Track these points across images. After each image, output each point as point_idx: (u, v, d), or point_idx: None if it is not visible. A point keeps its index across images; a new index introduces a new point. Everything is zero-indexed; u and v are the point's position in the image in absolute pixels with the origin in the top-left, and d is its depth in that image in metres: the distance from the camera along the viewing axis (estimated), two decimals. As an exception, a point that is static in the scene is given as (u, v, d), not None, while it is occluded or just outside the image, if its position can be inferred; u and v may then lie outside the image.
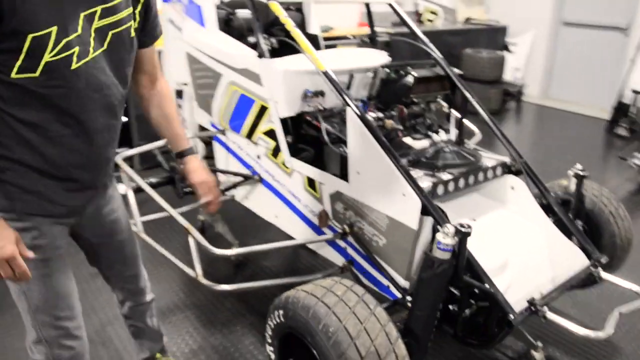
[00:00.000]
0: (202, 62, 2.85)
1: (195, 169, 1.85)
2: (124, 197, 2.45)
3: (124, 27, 1.48)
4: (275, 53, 2.50)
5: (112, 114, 1.53)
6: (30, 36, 1.27)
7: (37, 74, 1.32)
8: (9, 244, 1.35)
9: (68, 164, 1.48)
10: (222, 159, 2.96)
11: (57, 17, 1.30)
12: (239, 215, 3.13)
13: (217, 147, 2.99)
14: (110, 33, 1.44)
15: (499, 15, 7.59)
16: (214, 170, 2.97)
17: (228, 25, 3.10)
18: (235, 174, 2.82)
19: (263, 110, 2.51)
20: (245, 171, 2.78)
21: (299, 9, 3.33)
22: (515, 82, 7.31)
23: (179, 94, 3.14)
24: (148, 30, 1.63)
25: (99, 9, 1.39)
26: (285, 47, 2.48)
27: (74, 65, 1.36)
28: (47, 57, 1.31)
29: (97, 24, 1.40)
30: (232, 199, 2.96)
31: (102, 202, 1.71)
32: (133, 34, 1.53)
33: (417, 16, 6.87)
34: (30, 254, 1.41)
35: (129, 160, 2.77)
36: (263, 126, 2.55)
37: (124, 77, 1.55)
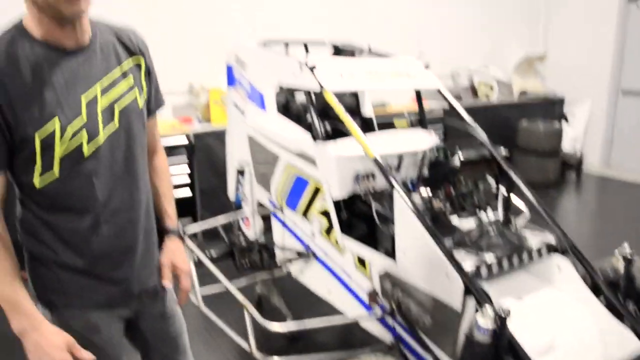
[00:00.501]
0: (262, 144, 3.08)
1: (170, 250, 1.72)
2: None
3: (127, 99, 1.46)
4: (331, 132, 2.70)
5: (136, 187, 1.52)
6: (37, 136, 1.27)
7: (57, 173, 1.32)
8: (57, 352, 1.29)
9: (112, 251, 1.48)
10: (279, 234, 3.13)
11: (55, 107, 1.29)
12: (294, 289, 3.26)
13: (274, 223, 3.17)
14: (116, 108, 1.43)
15: (555, 85, 7.63)
16: (272, 246, 3.15)
17: (287, 109, 3.35)
18: (290, 250, 2.98)
19: (317, 191, 2.68)
20: (300, 247, 2.94)
21: (354, 93, 3.55)
22: (574, 152, 7.25)
23: (241, 172, 3.38)
24: (151, 96, 1.60)
25: (97, 87, 1.38)
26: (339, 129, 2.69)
27: (86, 152, 1.35)
28: (58, 151, 1.30)
29: (102, 103, 1.39)
30: (288, 274, 3.11)
31: (154, 292, 1.67)
32: (141, 104, 1.52)
33: (473, 91, 6.99)
34: (89, 357, 1.35)
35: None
36: (317, 205, 2.71)
37: (143, 147, 1.55)
